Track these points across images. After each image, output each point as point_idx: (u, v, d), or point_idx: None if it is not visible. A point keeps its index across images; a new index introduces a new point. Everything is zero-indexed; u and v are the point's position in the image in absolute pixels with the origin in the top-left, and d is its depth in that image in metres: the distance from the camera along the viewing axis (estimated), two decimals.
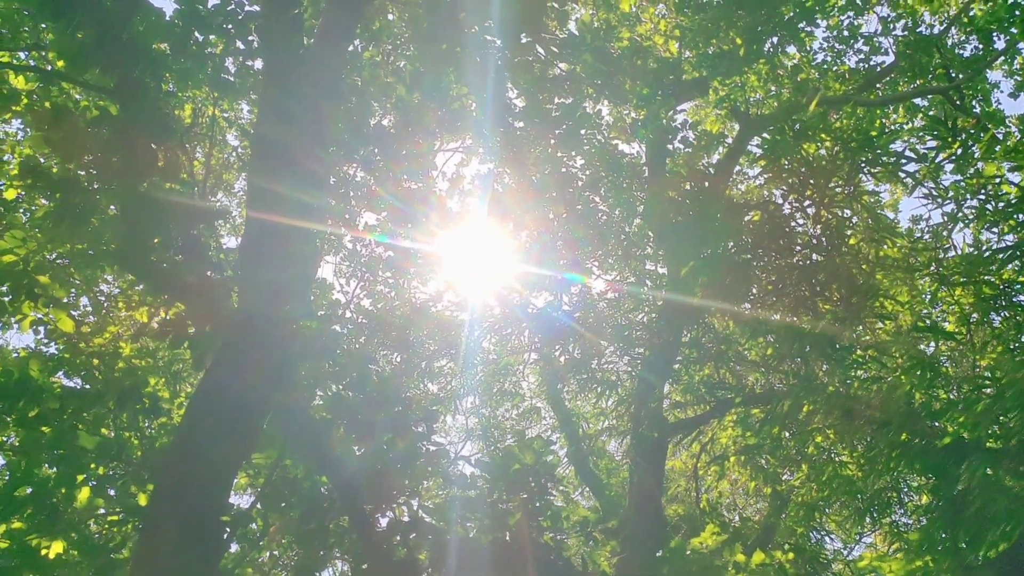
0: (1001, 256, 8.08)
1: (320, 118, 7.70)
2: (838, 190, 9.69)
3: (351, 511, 7.14)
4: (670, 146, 13.11)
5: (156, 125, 7.07)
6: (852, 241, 10.01)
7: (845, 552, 13.87)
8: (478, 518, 7.33)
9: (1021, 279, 8.33)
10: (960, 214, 8.35)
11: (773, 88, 13.26)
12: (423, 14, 8.60)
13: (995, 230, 8.39)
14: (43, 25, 7.45)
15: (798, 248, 9.92)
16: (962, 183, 8.28)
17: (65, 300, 8.66)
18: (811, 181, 9.71)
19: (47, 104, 7.02)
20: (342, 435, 7.32)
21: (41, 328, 9.02)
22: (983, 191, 7.99)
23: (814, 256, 9.88)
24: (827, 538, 12.71)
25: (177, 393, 12.09)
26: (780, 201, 10.40)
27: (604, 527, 8.22)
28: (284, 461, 7.88)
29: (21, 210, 9.57)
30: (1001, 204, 7.91)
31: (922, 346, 9.61)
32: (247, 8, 8.55)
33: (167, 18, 7.96)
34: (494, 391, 16.94)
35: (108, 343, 10.59)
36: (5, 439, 8.90)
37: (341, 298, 13.95)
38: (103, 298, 12.95)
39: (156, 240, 7.31)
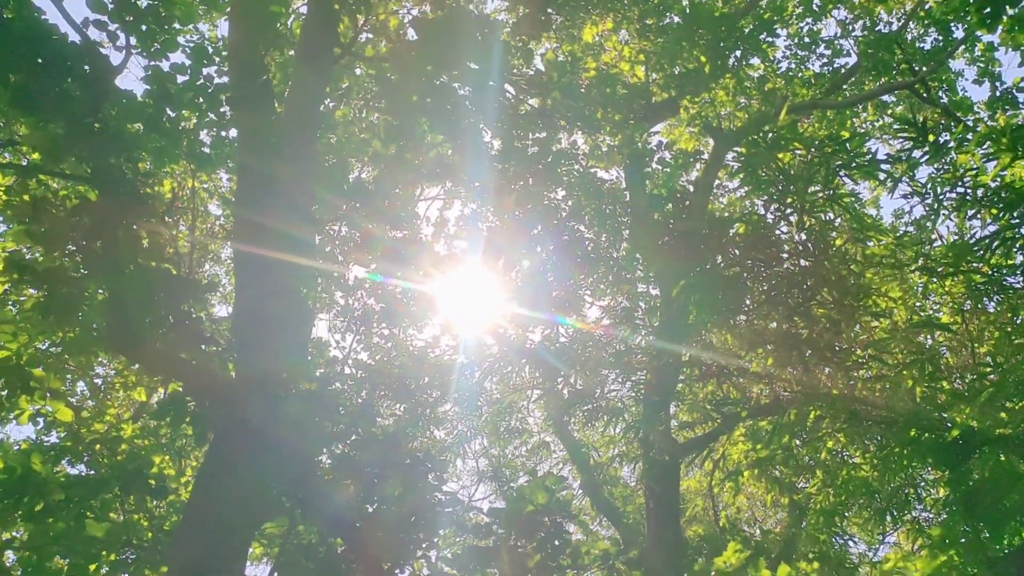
0: (987, 242, 8.13)
1: (299, 181, 7.75)
2: (818, 195, 9.77)
3: (370, 571, 7.07)
4: (648, 168, 13.22)
5: (137, 206, 7.09)
6: (838, 243, 10.08)
7: (870, 554, 13.76)
8: (497, 565, 7.26)
9: (1010, 263, 8.38)
10: (940, 206, 8.41)
11: (742, 100, 13.40)
12: (390, 68, 8.70)
13: (978, 218, 8.46)
14: (15, 122, 7.51)
15: (785, 256, 9.97)
16: (938, 176, 8.36)
17: (62, 389, 8.64)
18: (791, 188, 9.79)
19: (26, 197, 7.03)
20: (352, 494, 7.26)
21: (40, 419, 8.96)
22: (960, 182, 8.06)
23: (802, 262, 9.93)
24: (850, 542, 12.60)
25: (183, 470, 11.99)
26: (762, 211, 10.48)
27: (626, 558, 8.15)
28: (297, 527, 7.80)
29: (10, 303, 9.54)
30: (980, 192, 7.97)
31: (920, 340, 9.62)
32: (216, 81, 8.64)
33: (138, 98, 8.04)
34: (501, 430, 16.85)
35: (109, 427, 10.54)
36: (14, 535, 8.81)
37: (338, 354, 13.92)
38: (100, 382, 12.91)
39: (147, 320, 7.30)
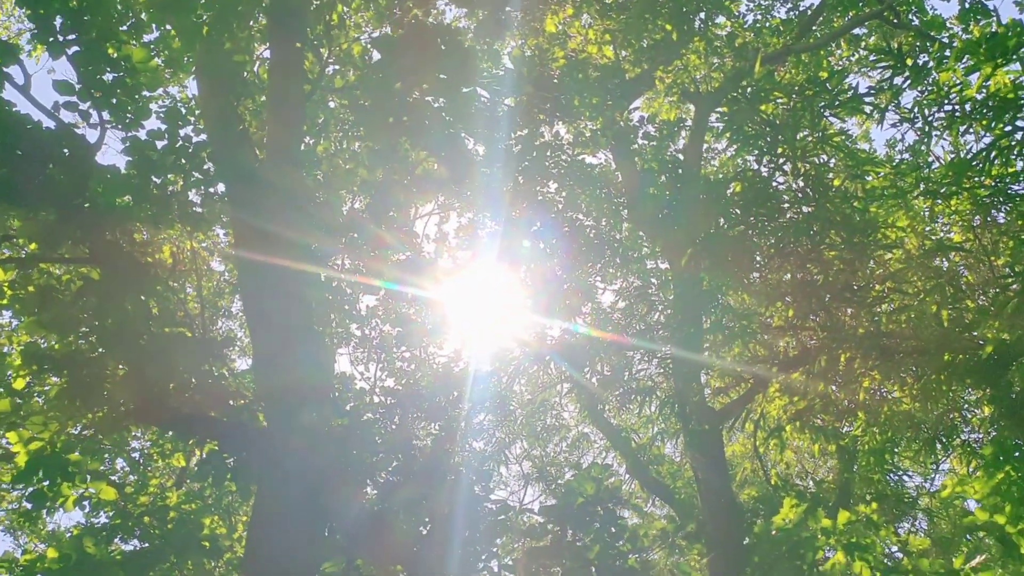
0: (984, 154, 8.07)
1: (293, 224, 7.78)
2: (808, 139, 9.73)
3: None
4: (635, 145, 13.18)
5: (140, 277, 7.14)
6: (836, 183, 10.02)
7: (927, 485, 13.66)
8: (558, 562, 7.25)
9: (1011, 171, 8.31)
10: (931, 128, 8.35)
11: (715, 61, 13.36)
12: (361, 95, 8.72)
13: (971, 133, 8.40)
14: (6, 216, 7.58)
15: (787, 206, 9.93)
16: (924, 98, 8.30)
17: (101, 469, 8.69)
18: (779, 138, 9.75)
19: (31, 288, 7.10)
20: (402, 520, 7.27)
21: (86, 502, 9.00)
22: (947, 100, 8.00)
23: (804, 208, 9.89)
24: (905, 477, 12.54)
25: (234, 526, 12.04)
26: (756, 166, 10.45)
27: (684, 533, 8.12)
28: (355, 563, 7.81)
29: (35, 395, 9.60)
30: (968, 107, 7.91)
31: (936, 264, 9.55)
32: (195, 140, 8.67)
33: (122, 171, 8.08)
34: (539, 430, 16.84)
35: (154, 497, 10.58)
36: None
37: (365, 385, 13.91)
38: (137, 455, 12.98)
39: (171, 386, 7.34)
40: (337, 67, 11.76)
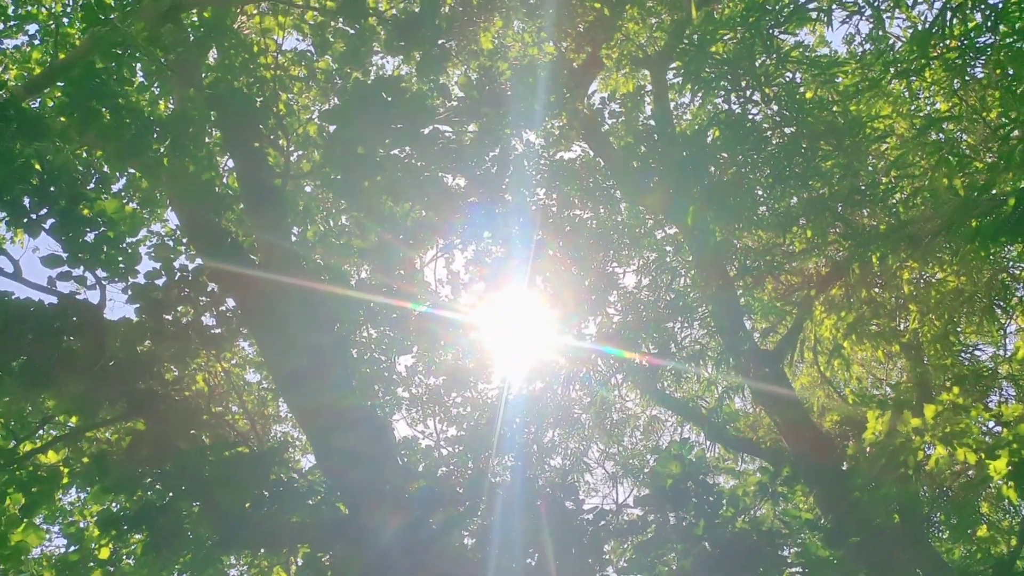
0: (939, 19, 7.99)
1: (304, 342, 7.90)
2: (768, 63, 9.69)
3: None
4: (605, 127, 13.18)
5: (183, 414, 7.22)
6: (808, 95, 9.97)
7: (1001, 352, 13.42)
8: (671, 548, 7.18)
9: (972, 25, 8.22)
10: (879, 12, 8.29)
11: (653, 21, 13.34)
12: (330, 170, 8.81)
13: (922, 3, 8.33)
14: (40, 399, 7.71)
15: (769, 134, 9.89)
16: None
17: None
18: (739, 72, 9.73)
19: (84, 459, 7.19)
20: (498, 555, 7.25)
21: None
22: None
23: (788, 130, 9.84)
24: (977, 351, 12.33)
25: None
26: (727, 107, 10.41)
27: (781, 479, 8.01)
28: None
29: (123, 557, 9.69)
30: None
31: (933, 139, 9.45)
32: (191, 266, 8.78)
33: (133, 320, 8.19)
34: (608, 428, 16.75)
35: None
36: None
37: (429, 443, 13.93)
38: None
39: (246, 506, 7.38)
40: (300, 152, 11.89)
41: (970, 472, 9.54)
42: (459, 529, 7.44)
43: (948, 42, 8.34)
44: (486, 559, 7.15)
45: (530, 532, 7.31)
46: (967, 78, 9.09)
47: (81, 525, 9.97)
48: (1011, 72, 8.34)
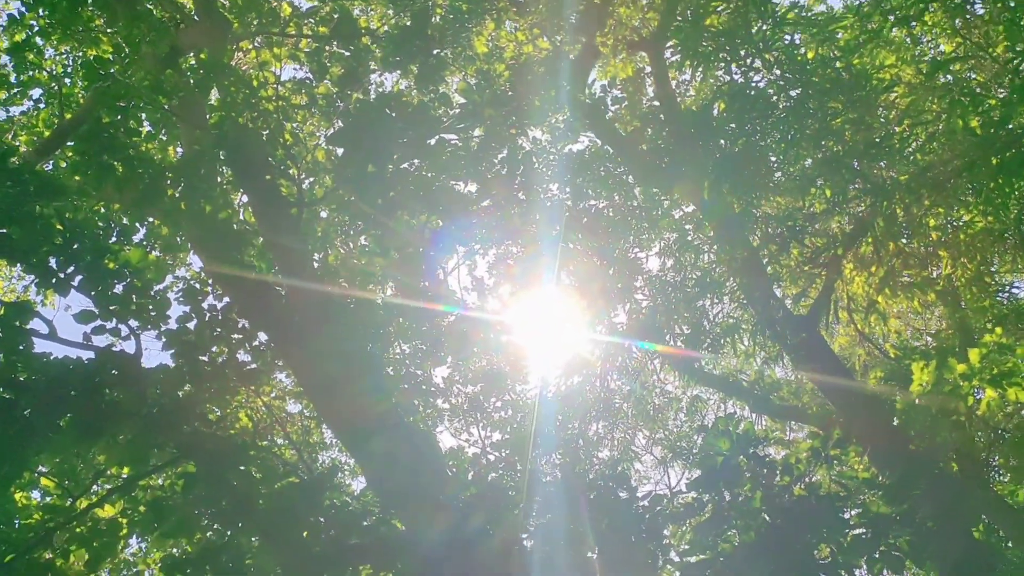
0: None
1: (335, 349, 7.95)
2: (764, 29, 9.62)
3: None
4: (609, 114, 13.15)
5: (231, 452, 7.29)
6: (810, 55, 9.88)
7: None
8: (730, 524, 7.12)
9: None
10: None
11: (644, 2, 13.30)
12: (343, 193, 8.87)
13: None
14: (90, 455, 7.82)
15: (775, 99, 9.80)
16: None
17: None
18: (737, 42, 9.66)
19: (141, 508, 7.28)
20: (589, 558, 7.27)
21: None
22: None
23: (793, 93, 9.75)
24: (1015, 290, 12.14)
25: None
26: (728, 78, 10.35)
27: (833, 443, 7.93)
28: None
29: None
30: None
31: (942, 82, 9.32)
32: (219, 305, 8.86)
33: (171, 366, 8.27)
34: (651, 413, 16.67)
35: None
36: None
37: (476, 450, 13.94)
38: None
39: (304, 535, 7.43)
40: (312, 179, 11.96)
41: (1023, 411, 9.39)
42: (515, 531, 7.45)
43: None
44: (541, 557, 7.16)
45: (580, 527, 7.31)
46: (968, 16, 8.97)
47: (146, 575, 10.09)
48: (1013, 3, 8.21)
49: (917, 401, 9.04)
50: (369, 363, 8.31)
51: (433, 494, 7.51)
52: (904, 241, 10.80)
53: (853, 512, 7.36)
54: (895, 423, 9.78)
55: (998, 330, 9.19)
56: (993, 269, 11.29)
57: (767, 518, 7.08)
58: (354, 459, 7.69)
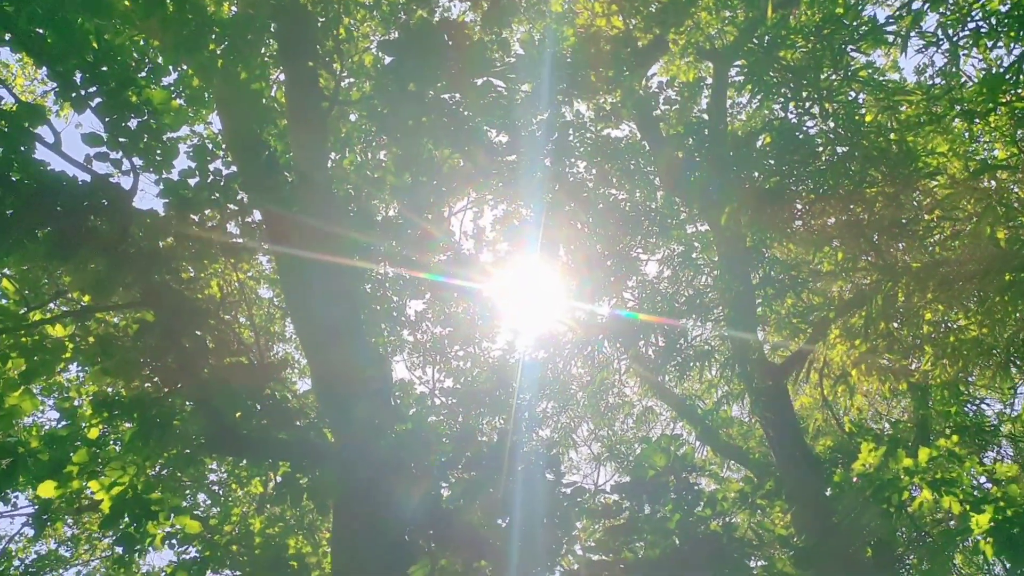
0: (1016, 66, 7.82)
1: (331, 244, 7.89)
2: (832, 79, 9.53)
3: None
4: (657, 112, 13.06)
5: (192, 314, 7.29)
6: (868, 119, 9.81)
7: (1007, 410, 13.33)
8: (640, 536, 7.23)
9: None
10: (957, 48, 8.11)
11: (727, 14, 13.14)
12: (378, 103, 8.78)
13: (1000, 47, 8.14)
14: (57, 272, 7.80)
15: (820, 149, 9.75)
16: (946, 18, 8.06)
17: (183, 504, 8.89)
18: (803, 82, 9.57)
19: (90, 339, 7.29)
20: (480, 515, 7.32)
21: (173, 539, 9.24)
22: (970, 17, 7.77)
23: (839, 150, 9.70)
24: (983, 406, 12.25)
25: (318, 543, 12.24)
26: (783, 114, 10.27)
27: (763, 492, 8.04)
28: (439, 563, 7.88)
29: (111, 442, 9.86)
30: (994, 21, 7.67)
31: (983, 185, 9.29)
32: (225, 172, 8.81)
33: (160, 214, 8.24)
34: (602, 410, 16.81)
35: (238, 526, 10.81)
36: None
37: (424, 389, 14.05)
38: (216, 487, 13.27)
39: (236, 415, 7.48)
40: (352, 80, 11.85)
41: (952, 522, 9.51)
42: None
43: (1019, 91, 8.16)
44: (462, 509, 7.24)
45: (507, 494, 7.38)
46: None
47: (75, 403, 10.15)
48: None
49: (854, 479, 9.14)
50: (356, 329, 8.26)
51: (422, 466, 7.57)
52: (895, 325, 10.83)
53: (759, 564, 7.48)
54: (827, 493, 9.89)
55: (955, 438, 9.28)
56: (970, 379, 11.35)
57: (676, 541, 7.19)
58: (332, 424, 7.68)
